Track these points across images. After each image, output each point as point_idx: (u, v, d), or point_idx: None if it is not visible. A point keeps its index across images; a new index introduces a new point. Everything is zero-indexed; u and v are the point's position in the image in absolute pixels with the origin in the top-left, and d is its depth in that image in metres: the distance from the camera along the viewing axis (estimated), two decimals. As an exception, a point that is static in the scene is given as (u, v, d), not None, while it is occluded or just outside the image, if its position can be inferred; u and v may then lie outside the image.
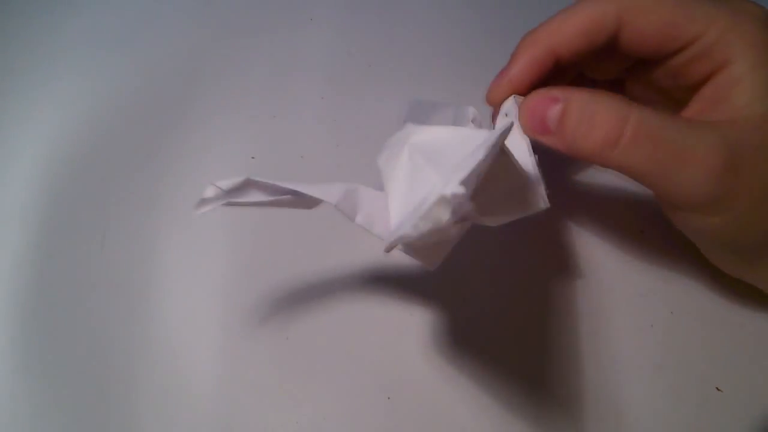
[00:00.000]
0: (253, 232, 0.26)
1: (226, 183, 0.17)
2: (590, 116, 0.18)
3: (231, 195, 0.17)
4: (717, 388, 0.22)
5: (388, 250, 0.16)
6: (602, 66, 0.22)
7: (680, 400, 0.22)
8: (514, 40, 0.21)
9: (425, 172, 0.16)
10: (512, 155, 0.17)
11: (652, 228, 0.25)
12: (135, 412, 0.22)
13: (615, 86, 0.24)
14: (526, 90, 0.20)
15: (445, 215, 0.13)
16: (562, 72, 0.21)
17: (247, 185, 0.17)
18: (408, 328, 0.24)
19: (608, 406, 0.22)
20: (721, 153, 0.17)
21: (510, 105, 0.21)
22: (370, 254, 0.25)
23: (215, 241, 0.26)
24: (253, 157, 0.28)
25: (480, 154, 0.14)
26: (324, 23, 0.32)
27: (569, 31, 0.20)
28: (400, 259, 0.25)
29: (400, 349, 0.23)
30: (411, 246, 0.17)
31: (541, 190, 0.18)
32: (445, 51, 0.31)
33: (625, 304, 0.24)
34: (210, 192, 0.17)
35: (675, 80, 0.20)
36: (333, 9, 0.33)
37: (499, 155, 0.16)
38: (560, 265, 0.25)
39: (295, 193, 0.18)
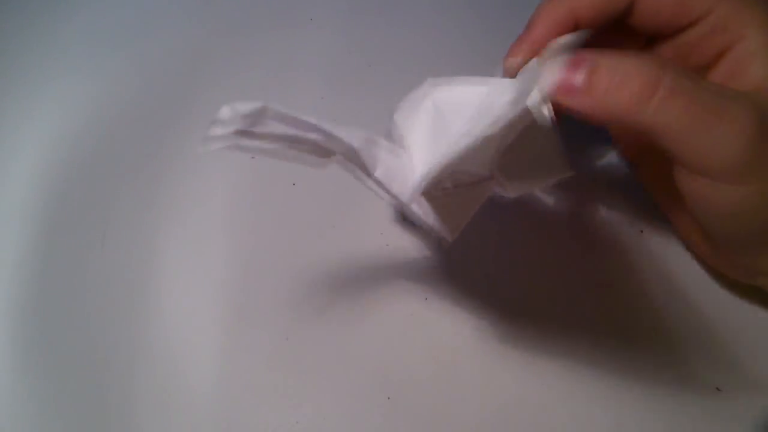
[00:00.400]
0: (252, 233, 0.26)
1: (244, 107, 0.16)
2: (624, 71, 0.17)
3: (246, 122, 0.16)
4: (717, 388, 0.22)
5: (422, 187, 0.15)
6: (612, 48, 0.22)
7: (680, 400, 0.22)
8: (515, 39, 0.21)
9: (447, 120, 0.16)
10: (537, 117, 0.16)
11: (652, 228, 0.25)
12: (135, 412, 0.22)
13: None
14: None
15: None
16: None
17: (265, 113, 0.16)
18: (408, 328, 0.24)
19: (608, 408, 0.22)
20: (754, 115, 0.17)
21: (531, 66, 0.19)
22: (370, 254, 0.25)
23: (215, 241, 0.26)
24: (253, 157, 0.28)
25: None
26: (324, 23, 0.32)
27: None
28: (400, 259, 0.25)
29: (400, 349, 0.23)
30: (437, 204, 0.16)
31: (565, 156, 0.17)
32: (446, 51, 0.31)
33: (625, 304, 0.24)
34: (225, 113, 0.15)
35: (686, 59, 0.20)
36: (333, 9, 0.33)
37: (524, 116, 0.16)
38: (559, 266, 0.25)
39: (314, 130, 0.16)
